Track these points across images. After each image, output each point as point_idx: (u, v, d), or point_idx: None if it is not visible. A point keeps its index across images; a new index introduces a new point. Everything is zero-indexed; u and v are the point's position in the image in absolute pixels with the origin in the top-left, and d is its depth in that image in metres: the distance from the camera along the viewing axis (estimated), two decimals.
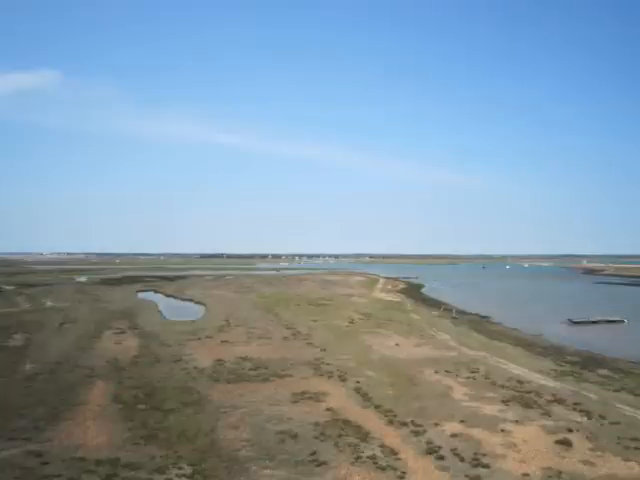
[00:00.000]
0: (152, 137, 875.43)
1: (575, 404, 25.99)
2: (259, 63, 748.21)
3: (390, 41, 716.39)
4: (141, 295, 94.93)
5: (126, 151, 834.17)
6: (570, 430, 21.98)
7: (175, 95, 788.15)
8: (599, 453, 19.63)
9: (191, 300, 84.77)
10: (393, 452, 19.51)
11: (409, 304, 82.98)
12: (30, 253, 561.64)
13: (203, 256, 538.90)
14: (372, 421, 23.07)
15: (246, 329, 50.25)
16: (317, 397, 26.69)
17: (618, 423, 23.01)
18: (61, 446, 19.85)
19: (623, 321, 64.92)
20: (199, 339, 44.44)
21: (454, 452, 19.56)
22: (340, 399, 26.54)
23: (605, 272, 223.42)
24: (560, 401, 26.56)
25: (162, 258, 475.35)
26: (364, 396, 27.04)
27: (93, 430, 21.65)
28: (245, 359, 36.02)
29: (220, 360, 35.53)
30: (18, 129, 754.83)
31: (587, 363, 38.18)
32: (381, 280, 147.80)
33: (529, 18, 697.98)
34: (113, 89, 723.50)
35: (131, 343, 42.62)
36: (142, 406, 25.01)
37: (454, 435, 21.42)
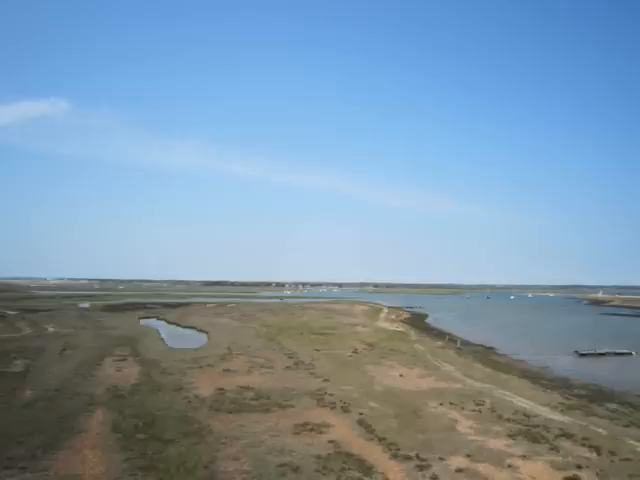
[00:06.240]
0: (157, 166, 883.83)
1: (584, 439, 25.33)
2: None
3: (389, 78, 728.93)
4: (143, 322, 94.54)
5: (131, 179, 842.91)
6: (579, 466, 21.37)
7: (182, 126, 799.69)
8: None
9: (193, 328, 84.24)
10: None
11: (413, 334, 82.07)
12: (34, 278, 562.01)
13: (206, 283, 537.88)
14: (375, 454, 22.53)
15: (248, 358, 49.74)
16: (319, 429, 26.16)
17: (629, 460, 22.38)
18: (57, 476, 19.43)
19: (631, 353, 63.90)
20: (200, 367, 43.96)
21: None
22: (343, 431, 26.00)
23: (612, 303, 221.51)
24: (568, 436, 25.92)
25: (165, 285, 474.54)
26: (367, 428, 26.48)
27: (91, 460, 21.20)
28: (247, 388, 35.53)
29: (221, 389, 35.05)
30: (24, 156, 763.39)
31: (595, 396, 37.40)
32: (385, 309, 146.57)
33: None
34: (123, 117, 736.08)
35: (132, 371, 42.17)
36: (141, 435, 24.56)
37: (459, 470, 20.86)
